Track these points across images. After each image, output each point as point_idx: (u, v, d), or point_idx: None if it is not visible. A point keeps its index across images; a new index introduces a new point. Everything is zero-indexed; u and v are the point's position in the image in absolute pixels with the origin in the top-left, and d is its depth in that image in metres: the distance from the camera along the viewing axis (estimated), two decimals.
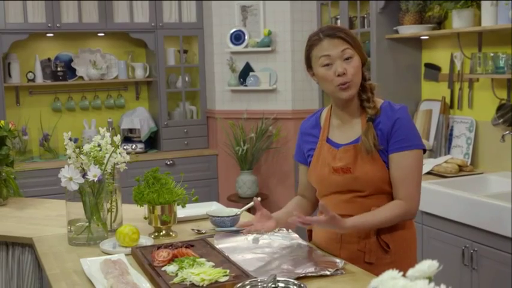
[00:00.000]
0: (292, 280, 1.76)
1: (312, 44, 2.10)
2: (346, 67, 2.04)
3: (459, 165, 3.75)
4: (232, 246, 2.22)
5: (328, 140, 2.17)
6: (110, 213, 2.48)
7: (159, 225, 2.39)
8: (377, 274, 1.92)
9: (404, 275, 1.08)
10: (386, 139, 2.06)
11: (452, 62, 4.08)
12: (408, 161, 2.05)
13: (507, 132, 3.54)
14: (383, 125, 2.06)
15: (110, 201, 2.47)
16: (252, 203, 2.64)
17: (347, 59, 2.05)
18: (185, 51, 5.60)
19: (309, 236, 2.32)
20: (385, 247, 2.08)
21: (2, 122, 3.19)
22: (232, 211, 2.58)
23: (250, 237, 2.30)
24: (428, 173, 3.77)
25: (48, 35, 5.21)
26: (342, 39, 2.05)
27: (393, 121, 2.05)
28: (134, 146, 5.32)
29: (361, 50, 2.09)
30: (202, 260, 1.98)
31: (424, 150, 2.13)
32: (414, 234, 2.20)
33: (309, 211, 2.35)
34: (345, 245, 2.12)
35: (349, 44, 2.05)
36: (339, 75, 2.04)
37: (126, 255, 2.14)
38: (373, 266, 2.04)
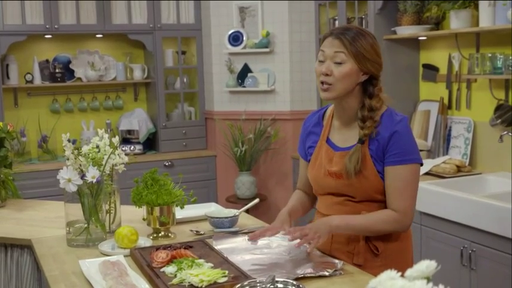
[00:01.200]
0: (291, 281, 1.76)
1: (323, 38, 2.11)
2: (333, 70, 2.02)
3: (457, 166, 3.75)
4: (231, 247, 2.22)
5: (328, 141, 2.17)
6: (108, 214, 2.47)
7: (157, 226, 2.39)
8: None
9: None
10: (383, 150, 2.04)
11: (450, 63, 4.08)
12: (403, 175, 2.03)
13: (505, 132, 3.54)
14: (381, 136, 2.04)
15: (108, 203, 2.47)
16: (250, 204, 2.65)
17: (338, 63, 2.03)
18: (183, 53, 5.61)
19: None
20: (374, 250, 2.08)
21: (1, 123, 3.19)
22: (231, 212, 2.59)
23: None
24: (427, 173, 3.77)
25: (46, 36, 5.21)
26: (341, 42, 2.02)
27: (391, 133, 2.03)
28: (133, 147, 5.32)
29: (364, 61, 2.01)
30: (201, 261, 1.98)
31: (421, 164, 2.10)
32: (408, 240, 2.18)
33: (309, 207, 2.36)
34: (335, 246, 2.13)
35: (346, 49, 2.01)
36: (322, 74, 2.05)
37: (125, 256, 2.14)
38: (362, 268, 2.04)
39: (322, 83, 2.06)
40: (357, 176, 2.05)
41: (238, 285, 1.74)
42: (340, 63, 2.03)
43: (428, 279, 1.05)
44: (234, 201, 5.10)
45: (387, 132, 2.03)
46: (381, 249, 2.08)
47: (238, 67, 5.25)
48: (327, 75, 2.03)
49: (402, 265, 2.07)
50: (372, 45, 2.04)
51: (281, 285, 1.73)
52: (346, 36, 2.02)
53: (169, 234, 2.42)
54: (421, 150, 4.04)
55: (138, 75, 5.51)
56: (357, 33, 2.03)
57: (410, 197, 2.06)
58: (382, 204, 2.08)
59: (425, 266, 1.06)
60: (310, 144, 2.24)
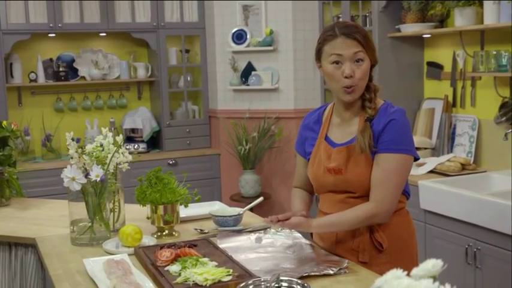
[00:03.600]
0: (296, 279, 1.76)
1: (326, 38, 2.08)
2: (355, 70, 2.02)
3: (462, 164, 3.74)
4: (235, 245, 2.22)
5: (327, 138, 2.17)
6: (112, 213, 2.47)
7: (161, 225, 2.39)
8: None
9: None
10: (377, 140, 2.04)
11: (454, 61, 4.07)
12: (389, 164, 2.02)
13: (510, 130, 3.53)
14: (376, 126, 2.05)
15: (112, 201, 2.46)
16: (254, 203, 2.65)
17: (357, 61, 2.03)
18: (187, 51, 5.60)
19: (311, 233, 2.32)
20: (378, 247, 2.08)
21: (5, 122, 3.19)
22: (235, 210, 2.58)
23: (253, 236, 2.30)
24: (431, 171, 3.76)
25: (50, 35, 5.21)
26: (357, 41, 2.02)
27: (386, 122, 2.03)
28: (136, 146, 5.32)
29: (374, 52, 2.08)
30: (205, 259, 1.98)
31: (416, 159, 2.09)
32: (412, 235, 2.18)
33: (309, 203, 2.34)
34: (339, 244, 2.12)
35: (362, 46, 2.03)
36: (346, 77, 2.03)
37: (129, 255, 2.14)
38: (367, 265, 2.04)
39: (346, 86, 2.04)
40: (356, 169, 2.05)
41: (243, 284, 1.73)
42: (360, 62, 2.03)
43: (435, 278, 1.04)
44: (238, 199, 5.09)
45: (382, 122, 2.04)
46: (385, 245, 2.07)
47: (242, 65, 5.25)
48: (351, 76, 2.02)
49: (407, 261, 2.08)
50: (370, 36, 2.13)
51: (286, 284, 1.73)
52: (358, 34, 2.04)
53: (174, 233, 2.42)
54: (425, 148, 4.06)
55: (141, 73, 5.50)
56: (361, 29, 2.08)
57: (392, 188, 2.03)
58: None
59: (432, 265, 1.05)
60: (310, 142, 2.24)
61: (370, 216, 2.02)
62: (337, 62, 2.04)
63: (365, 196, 2.07)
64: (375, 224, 2.06)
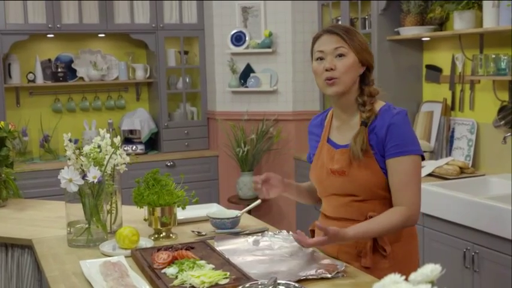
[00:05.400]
0: (293, 283, 1.75)
1: (314, 38, 2.13)
2: (336, 64, 2.04)
3: (460, 167, 3.73)
4: (233, 248, 2.21)
5: (329, 141, 2.18)
6: (109, 214, 2.46)
7: (159, 227, 2.38)
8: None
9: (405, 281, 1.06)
10: (382, 144, 2.04)
11: (453, 64, 4.07)
12: (405, 167, 2.02)
13: (508, 134, 3.53)
14: (378, 129, 2.04)
15: (109, 203, 2.46)
16: (252, 205, 2.64)
17: (339, 56, 2.05)
18: (186, 52, 5.59)
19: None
20: (381, 251, 2.07)
21: (2, 123, 3.18)
22: (233, 213, 2.57)
23: (251, 239, 2.29)
24: (430, 175, 3.75)
25: (48, 35, 5.20)
26: (339, 36, 2.05)
27: (388, 125, 2.03)
28: (134, 147, 5.31)
29: (362, 52, 2.07)
30: (203, 262, 1.97)
31: (423, 157, 2.09)
32: (414, 239, 2.18)
33: (316, 198, 2.34)
34: (342, 248, 2.11)
35: (345, 42, 2.05)
36: (326, 70, 2.05)
37: (125, 257, 2.13)
38: (370, 270, 2.02)
39: (327, 79, 2.05)
40: (360, 171, 2.04)
41: (240, 287, 1.72)
42: (342, 56, 2.05)
43: (433, 284, 1.03)
44: (236, 201, 5.09)
45: (384, 125, 2.04)
46: (389, 250, 2.06)
47: (240, 67, 5.24)
48: (331, 69, 2.04)
49: (410, 266, 2.07)
50: (363, 37, 2.12)
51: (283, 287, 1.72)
52: (341, 31, 2.07)
53: (171, 235, 2.41)
54: (424, 152, 4.05)
55: (140, 75, 5.50)
56: (348, 28, 2.11)
57: (414, 189, 2.04)
58: (386, 201, 2.07)
59: (430, 270, 1.04)
60: (314, 145, 2.26)
61: (406, 219, 2.02)
62: (320, 58, 2.08)
63: (368, 200, 2.06)
64: (405, 227, 2.05)
